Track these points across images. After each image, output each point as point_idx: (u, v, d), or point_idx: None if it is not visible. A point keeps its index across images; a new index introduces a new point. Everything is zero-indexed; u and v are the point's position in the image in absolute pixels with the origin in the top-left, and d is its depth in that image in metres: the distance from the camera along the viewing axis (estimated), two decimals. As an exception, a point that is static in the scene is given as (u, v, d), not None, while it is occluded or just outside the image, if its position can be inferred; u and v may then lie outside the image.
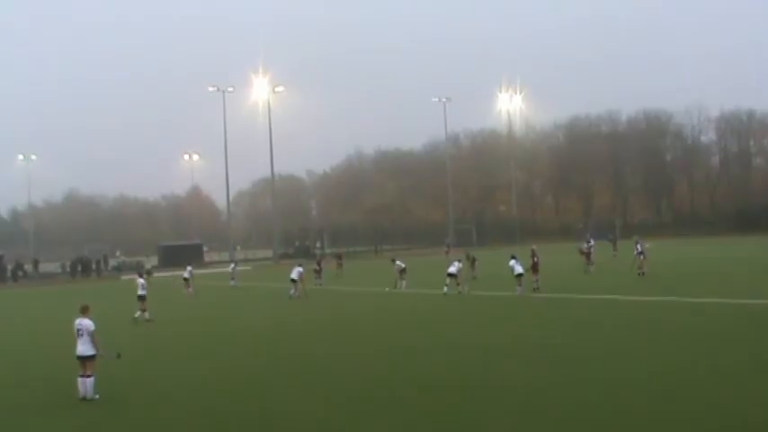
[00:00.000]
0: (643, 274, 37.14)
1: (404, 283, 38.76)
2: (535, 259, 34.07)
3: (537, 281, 33.42)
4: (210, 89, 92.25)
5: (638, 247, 38.07)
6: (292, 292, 36.86)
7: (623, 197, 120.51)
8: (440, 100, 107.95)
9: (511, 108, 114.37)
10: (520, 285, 32.04)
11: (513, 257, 32.90)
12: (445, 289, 34.21)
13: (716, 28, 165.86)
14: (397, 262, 40.34)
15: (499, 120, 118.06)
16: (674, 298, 28.11)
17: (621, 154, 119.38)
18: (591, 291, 32.25)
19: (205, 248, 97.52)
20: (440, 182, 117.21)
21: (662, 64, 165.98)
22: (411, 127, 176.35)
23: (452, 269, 34.61)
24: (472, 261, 42.58)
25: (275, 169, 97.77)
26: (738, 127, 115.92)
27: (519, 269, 32.22)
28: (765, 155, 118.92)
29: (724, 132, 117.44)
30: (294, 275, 37.14)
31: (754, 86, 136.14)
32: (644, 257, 37.88)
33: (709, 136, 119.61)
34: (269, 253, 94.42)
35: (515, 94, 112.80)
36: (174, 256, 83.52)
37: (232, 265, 56.38)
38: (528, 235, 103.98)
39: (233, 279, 51.33)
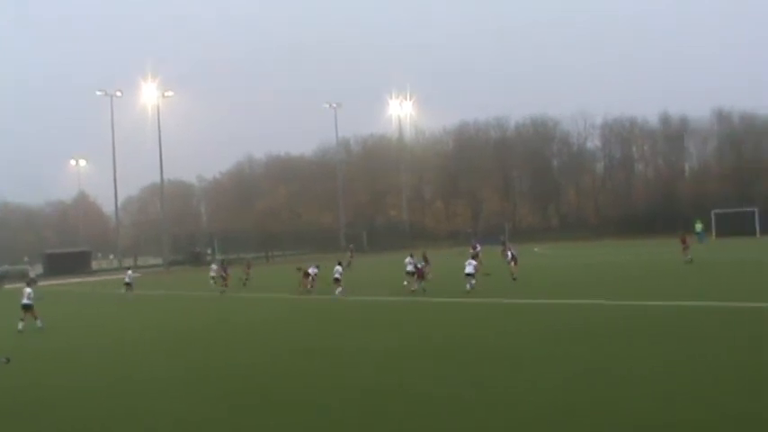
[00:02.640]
0: (514, 278, 37.95)
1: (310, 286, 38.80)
2: (421, 265, 35.02)
3: (421, 283, 34.21)
4: (98, 93, 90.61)
5: (509, 253, 39.16)
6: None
7: (511, 202, 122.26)
8: (330, 105, 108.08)
9: (401, 114, 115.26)
10: (469, 284, 33.41)
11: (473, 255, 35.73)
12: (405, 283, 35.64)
13: (600, 38, 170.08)
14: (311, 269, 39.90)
15: (389, 125, 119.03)
16: (557, 300, 28.56)
17: (509, 159, 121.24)
18: (477, 294, 32.68)
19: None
20: (330, 187, 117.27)
21: (550, 72, 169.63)
22: (302, 132, 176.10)
23: (410, 267, 36.10)
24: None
25: (165, 175, 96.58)
26: (621, 133, 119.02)
27: (469, 269, 33.88)
28: (646, 161, 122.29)
29: (608, 139, 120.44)
30: (336, 274, 37.25)
31: (636, 94, 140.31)
32: (515, 263, 38.75)
33: (594, 142, 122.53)
34: (158, 260, 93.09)
35: (405, 99, 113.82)
36: (60, 264, 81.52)
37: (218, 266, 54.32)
38: (418, 239, 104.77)
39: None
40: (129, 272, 47.58)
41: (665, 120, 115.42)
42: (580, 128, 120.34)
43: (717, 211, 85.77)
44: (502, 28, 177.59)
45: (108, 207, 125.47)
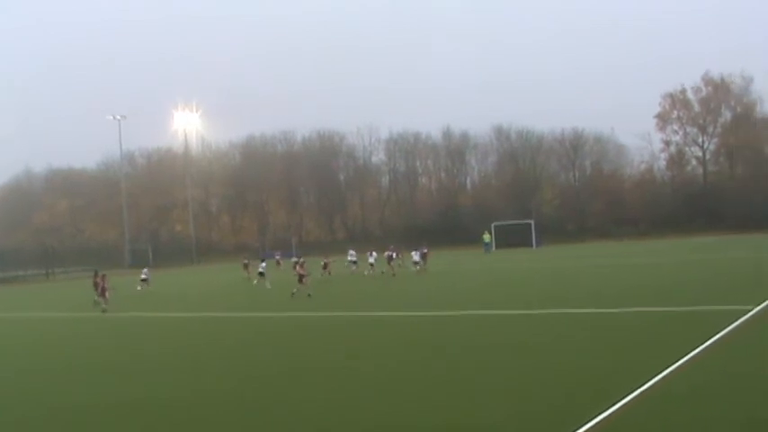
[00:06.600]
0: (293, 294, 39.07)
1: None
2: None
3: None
4: None
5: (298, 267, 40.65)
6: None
7: (298, 215, 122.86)
8: (114, 117, 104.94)
9: (187, 127, 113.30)
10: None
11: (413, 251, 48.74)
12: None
13: (383, 55, 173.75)
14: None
15: (175, 138, 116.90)
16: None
17: (296, 173, 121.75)
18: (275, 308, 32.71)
19: None
20: (114, 201, 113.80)
21: (337, 88, 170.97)
22: (86, 144, 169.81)
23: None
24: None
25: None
26: (406, 148, 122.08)
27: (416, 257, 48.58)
28: (430, 174, 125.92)
29: (393, 153, 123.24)
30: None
31: (419, 111, 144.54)
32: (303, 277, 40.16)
33: (379, 156, 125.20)
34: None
35: (192, 112, 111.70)
36: None
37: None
38: (204, 253, 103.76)
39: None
40: None
41: (448, 135, 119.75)
42: (366, 142, 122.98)
43: (497, 223, 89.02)
44: (289, 47, 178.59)
45: None
